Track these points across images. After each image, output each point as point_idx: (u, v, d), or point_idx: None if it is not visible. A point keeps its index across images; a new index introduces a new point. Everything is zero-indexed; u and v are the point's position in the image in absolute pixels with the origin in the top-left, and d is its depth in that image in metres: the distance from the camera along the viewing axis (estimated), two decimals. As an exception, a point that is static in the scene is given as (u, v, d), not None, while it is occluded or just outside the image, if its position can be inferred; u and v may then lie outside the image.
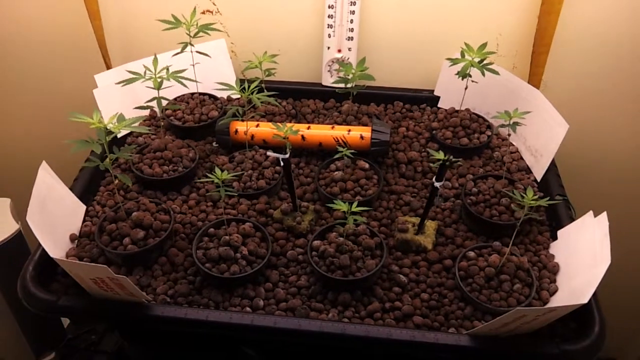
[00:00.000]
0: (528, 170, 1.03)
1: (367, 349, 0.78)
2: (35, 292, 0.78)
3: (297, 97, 1.18)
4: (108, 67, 1.17)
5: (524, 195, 0.80)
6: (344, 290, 0.82)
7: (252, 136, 1.02)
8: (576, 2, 1.05)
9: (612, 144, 1.22)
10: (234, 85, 0.91)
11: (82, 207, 0.93)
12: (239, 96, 1.17)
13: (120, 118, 0.79)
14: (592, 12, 1.06)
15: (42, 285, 0.80)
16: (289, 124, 0.88)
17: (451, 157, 0.82)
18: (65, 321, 1.27)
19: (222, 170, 0.81)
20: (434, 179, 0.84)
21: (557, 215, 0.92)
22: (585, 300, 0.71)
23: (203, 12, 1.16)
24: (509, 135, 0.89)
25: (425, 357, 0.80)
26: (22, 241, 1.04)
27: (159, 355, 0.94)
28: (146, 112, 1.12)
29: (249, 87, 0.92)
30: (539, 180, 1.00)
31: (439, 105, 1.16)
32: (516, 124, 0.86)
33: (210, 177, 0.81)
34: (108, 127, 0.76)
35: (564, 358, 0.74)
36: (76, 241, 0.89)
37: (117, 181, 0.83)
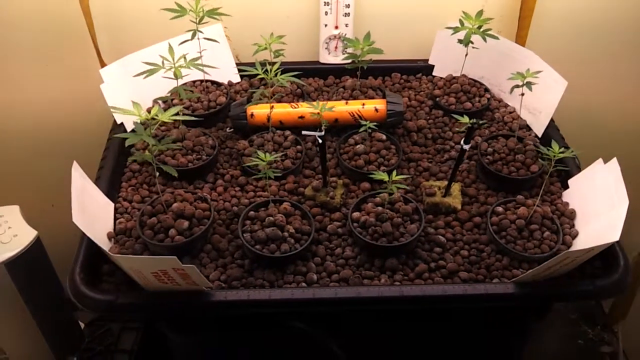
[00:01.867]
0: (528, 128, 1.10)
1: (423, 307, 0.83)
2: (91, 294, 0.77)
3: (297, 77, 1.19)
4: (101, 62, 1.14)
5: (550, 148, 0.86)
6: (390, 255, 0.86)
7: (268, 118, 1.03)
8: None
9: (596, 98, 1.32)
10: (257, 69, 0.92)
11: (111, 205, 0.92)
12: (239, 80, 1.18)
13: (160, 110, 0.78)
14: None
15: (93, 287, 0.79)
16: (321, 102, 0.90)
17: (477, 120, 0.87)
18: (82, 324, 1.25)
19: (265, 153, 0.82)
20: (462, 142, 0.88)
21: (565, 166, 0.99)
22: (616, 238, 0.79)
23: (195, -2, 1.14)
24: (522, 94, 0.94)
25: (477, 307, 0.86)
26: (40, 248, 1.01)
27: (207, 342, 0.95)
28: (148, 104, 1.10)
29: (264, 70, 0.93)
30: (540, 136, 1.07)
31: (434, 74, 1.21)
32: (530, 83, 0.92)
33: (254, 160, 0.82)
34: (155, 118, 0.76)
35: (599, 293, 0.82)
36: (113, 239, 0.88)
37: (158, 174, 0.83)
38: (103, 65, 1.13)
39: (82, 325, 1.25)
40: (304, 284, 0.83)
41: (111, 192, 0.94)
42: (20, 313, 1.03)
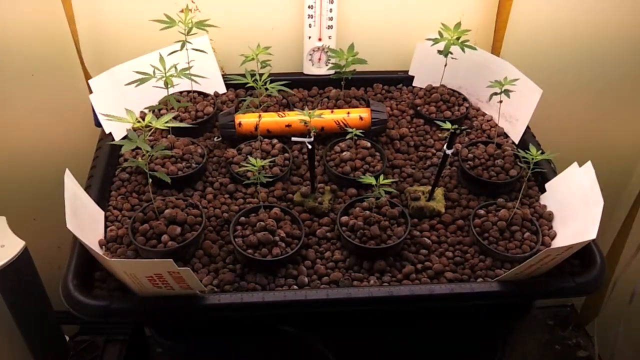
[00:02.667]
0: (505, 135, 1.14)
1: (412, 307, 0.85)
2: (86, 301, 0.77)
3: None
4: (86, 73, 1.15)
5: (528, 151, 0.90)
6: (379, 258, 0.88)
7: (256, 127, 1.05)
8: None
9: (566, 106, 1.38)
10: (247, 78, 0.94)
11: (101, 213, 0.93)
12: (225, 91, 1.20)
13: (153, 117, 0.80)
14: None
15: (86, 293, 0.79)
16: (310, 110, 0.92)
17: (458, 126, 0.90)
18: (66, 337, 1.24)
19: (255, 159, 0.84)
20: (444, 147, 0.92)
21: (541, 170, 1.04)
22: (594, 236, 0.82)
23: (181, 11, 1.16)
24: (501, 101, 0.99)
25: (464, 306, 0.89)
26: (28, 258, 1.01)
27: (197, 348, 0.96)
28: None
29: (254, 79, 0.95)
30: (516, 142, 1.12)
31: (414, 84, 1.25)
32: (508, 91, 0.97)
33: (245, 166, 0.84)
34: (149, 125, 0.77)
35: (579, 289, 0.86)
36: (104, 247, 0.89)
37: (151, 181, 0.84)
38: (88, 76, 1.14)
39: (66, 338, 1.24)
40: (295, 287, 0.85)
41: (101, 200, 0.95)
42: (6, 325, 1.02)
